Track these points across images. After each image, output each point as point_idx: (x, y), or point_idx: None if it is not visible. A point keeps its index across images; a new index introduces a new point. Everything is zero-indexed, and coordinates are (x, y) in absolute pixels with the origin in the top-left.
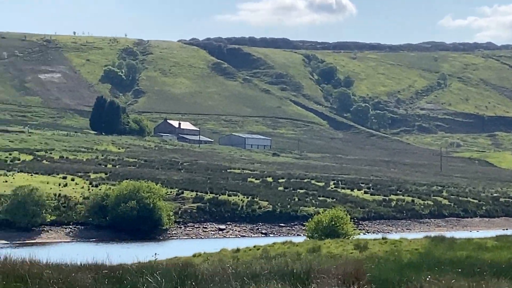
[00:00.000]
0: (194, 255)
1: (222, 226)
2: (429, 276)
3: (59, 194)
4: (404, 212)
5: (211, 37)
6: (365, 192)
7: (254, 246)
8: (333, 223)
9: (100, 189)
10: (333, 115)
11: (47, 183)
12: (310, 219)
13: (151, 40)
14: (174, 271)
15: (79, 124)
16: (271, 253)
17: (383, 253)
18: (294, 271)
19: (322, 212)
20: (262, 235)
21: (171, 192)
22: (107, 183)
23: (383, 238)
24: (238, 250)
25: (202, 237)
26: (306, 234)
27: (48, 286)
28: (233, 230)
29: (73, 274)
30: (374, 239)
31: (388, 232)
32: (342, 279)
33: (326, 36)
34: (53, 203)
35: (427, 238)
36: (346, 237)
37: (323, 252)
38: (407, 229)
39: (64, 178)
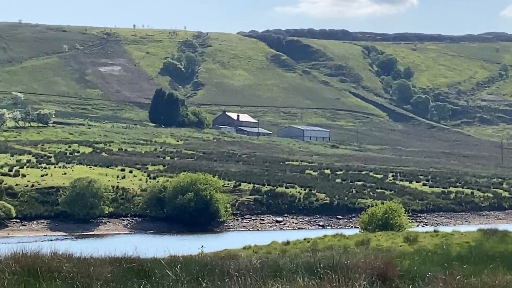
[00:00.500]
0: (244, 248)
1: (279, 219)
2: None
3: (117, 186)
4: (463, 204)
5: (270, 29)
6: (424, 184)
7: (305, 239)
8: (386, 215)
9: (157, 181)
10: (392, 107)
11: (106, 175)
12: (363, 212)
13: (210, 33)
14: (197, 265)
15: (138, 117)
16: (320, 246)
17: (432, 246)
18: (321, 265)
19: (377, 205)
20: (319, 228)
21: (228, 184)
22: (165, 175)
23: (434, 231)
24: (288, 242)
25: (259, 229)
26: (360, 227)
27: (66, 279)
28: (290, 222)
29: (92, 268)
30: (426, 232)
31: (446, 225)
32: (371, 274)
33: (386, 27)
34: (111, 195)
35: (479, 231)
36: (400, 230)
37: (372, 245)
38: (466, 221)
39: (122, 170)
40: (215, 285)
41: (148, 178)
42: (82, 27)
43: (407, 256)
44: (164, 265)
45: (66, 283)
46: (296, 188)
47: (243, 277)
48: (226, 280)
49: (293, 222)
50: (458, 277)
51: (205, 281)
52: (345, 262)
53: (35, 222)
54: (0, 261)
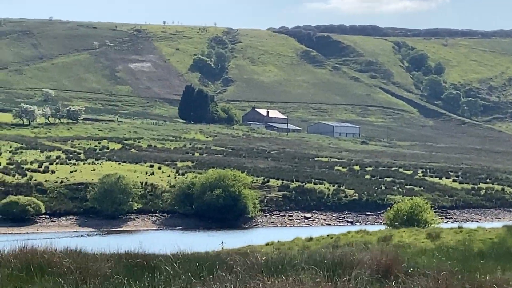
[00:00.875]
0: (266, 244)
1: (308, 215)
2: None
3: (146, 183)
4: (493, 201)
5: (301, 25)
6: (454, 181)
7: (328, 235)
8: (412, 211)
9: (186, 178)
10: (423, 103)
11: (134, 172)
12: (388, 208)
13: (240, 29)
14: (202, 261)
15: (168, 113)
16: (342, 242)
17: (455, 242)
18: (325, 262)
19: (403, 201)
20: (348, 224)
21: (257, 180)
22: (194, 172)
23: (458, 227)
24: (311, 239)
25: (288, 225)
26: (385, 223)
27: (65, 275)
28: (318, 218)
29: (91, 264)
30: (450, 228)
31: (476, 221)
32: (376, 270)
33: (417, 23)
34: (140, 192)
35: (504, 227)
36: (426, 226)
37: (394, 241)
38: (496, 218)
39: (151, 166)
40: (208, 281)
41: (176, 174)
42: (113, 23)
43: (427, 252)
44: (163, 261)
45: (64, 278)
46: (324, 184)
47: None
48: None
49: (321, 219)
50: (443, 273)
51: (201, 277)
52: (351, 258)
53: (64, 218)
54: (1, 257)
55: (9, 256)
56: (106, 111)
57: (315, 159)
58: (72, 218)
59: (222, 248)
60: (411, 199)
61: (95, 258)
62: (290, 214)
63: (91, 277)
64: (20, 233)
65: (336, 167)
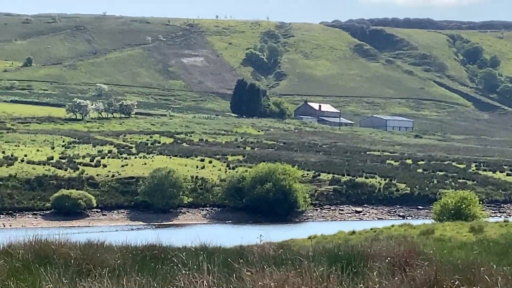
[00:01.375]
0: (308, 237)
1: (359, 209)
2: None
3: (196, 177)
4: None
5: (354, 18)
6: (508, 175)
7: (371, 229)
8: (459, 205)
9: (236, 172)
10: (478, 96)
11: (185, 166)
12: (435, 202)
13: (293, 23)
14: (211, 254)
15: (221, 107)
16: (383, 235)
17: (498, 236)
18: (339, 253)
19: (450, 194)
20: (400, 218)
21: (307, 174)
22: (244, 166)
23: (504, 221)
24: (353, 232)
25: (339, 219)
26: (432, 217)
27: (69, 265)
28: (369, 212)
29: (98, 255)
30: (496, 222)
31: None
32: (392, 262)
33: (472, 15)
34: (190, 185)
35: None
36: (474, 220)
37: (436, 235)
38: None
39: (202, 160)
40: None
41: (227, 168)
42: (166, 18)
43: (466, 246)
44: (169, 253)
45: (68, 268)
46: (376, 178)
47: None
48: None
49: (372, 213)
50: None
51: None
52: (368, 251)
53: (115, 212)
54: (10, 247)
55: (18, 246)
56: (159, 106)
57: (367, 153)
58: (123, 212)
59: (261, 241)
60: (457, 192)
61: (105, 249)
62: (341, 208)
63: (95, 268)
64: (72, 226)
65: (388, 161)
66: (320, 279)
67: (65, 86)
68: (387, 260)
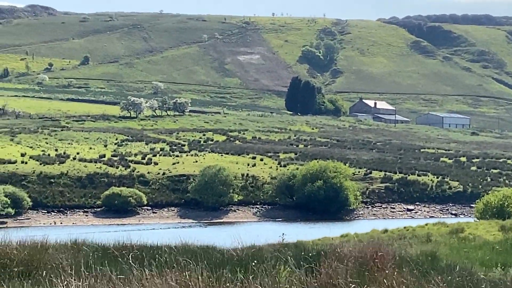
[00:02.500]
0: (341, 236)
1: (411, 207)
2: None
3: (247, 174)
4: None
5: (411, 15)
6: None
7: (404, 227)
8: (501, 203)
9: (288, 169)
10: None
11: (236, 163)
12: (477, 200)
13: (349, 20)
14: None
15: (276, 105)
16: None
17: None
18: (302, 253)
19: (492, 192)
20: (452, 216)
21: (359, 172)
22: (296, 163)
23: None
24: (386, 231)
25: (390, 217)
26: (475, 215)
27: (18, 266)
28: (421, 210)
29: (39, 255)
30: None
31: None
32: (361, 262)
33: None
34: (241, 183)
35: None
36: None
37: (464, 234)
38: None
39: (253, 158)
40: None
41: (278, 166)
42: (222, 16)
43: (486, 246)
44: (125, 252)
45: (10, 269)
46: (428, 176)
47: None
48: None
49: (424, 211)
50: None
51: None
52: (336, 250)
53: (165, 209)
54: None
55: None
56: (214, 104)
57: (421, 150)
58: (174, 210)
59: (283, 240)
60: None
61: (53, 249)
62: (392, 206)
63: (39, 268)
64: (122, 224)
65: (442, 159)
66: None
67: (122, 84)
68: (355, 261)
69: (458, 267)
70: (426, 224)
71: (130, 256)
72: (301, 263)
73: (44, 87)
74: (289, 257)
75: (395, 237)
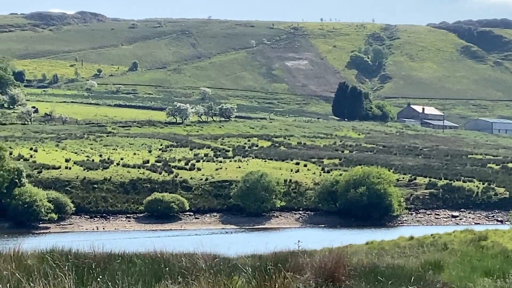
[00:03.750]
0: (366, 243)
1: (455, 213)
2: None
3: (290, 180)
4: None
5: (462, 20)
6: None
7: (431, 234)
8: None
9: (331, 175)
10: None
11: (280, 169)
12: None
13: (398, 25)
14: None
15: (324, 111)
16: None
17: None
18: (257, 264)
19: None
20: (498, 223)
21: (403, 178)
22: (340, 169)
23: None
24: (411, 238)
25: (434, 224)
26: (510, 222)
27: None
28: (466, 217)
29: None
30: None
31: None
32: (321, 274)
33: None
34: (283, 189)
35: None
36: None
37: (486, 242)
38: None
39: (297, 164)
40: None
41: (322, 171)
42: (270, 21)
43: (502, 255)
44: (51, 262)
45: None
46: (474, 182)
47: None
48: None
49: (469, 217)
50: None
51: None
52: (297, 261)
53: (208, 215)
54: None
55: None
56: (262, 109)
57: (469, 156)
58: (216, 215)
59: (298, 246)
60: None
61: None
62: (436, 213)
63: None
64: (164, 229)
65: (489, 165)
66: None
67: (169, 90)
68: (315, 272)
69: (427, 277)
70: (454, 231)
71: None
72: (256, 274)
73: (93, 93)
74: (247, 268)
75: (414, 245)
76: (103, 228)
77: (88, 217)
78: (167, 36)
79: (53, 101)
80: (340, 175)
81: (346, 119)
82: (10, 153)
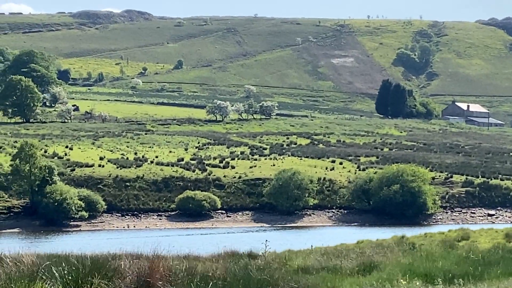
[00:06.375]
0: (358, 242)
1: (492, 212)
2: None
3: (324, 178)
4: None
5: (511, 16)
6: None
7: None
8: None
9: (367, 173)
10: None
11: (314, 167)
12: None
13: (446, 21)
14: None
15: (369, 108)
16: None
17: None
18: (73, 268)
19: None
20: None
21: (439, 176)
22: (376, 167)
23: None
24: (403, 237)
25: (469, 222)
26: None
27: None
28: (503, 216)
29: None
30: None
31: None
32: (136, 279)
33: None
34: (317, 187)
35: None
36: None
37: (465, 242)
38: None
39: (333, 162)
40: None
41: (357, 169)
42: (316, 19)
43: (480, 254)
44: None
45: None
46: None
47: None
48: None
49: (506, 216)
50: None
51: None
52: (112, 266)
53: (240, 213)
54: None
55: None
56: (306, 107)
57: (511, 154)
58: (248, 214)
59: (266, 246)
60: None
61: None
62: (472, 211)
63: None
64: (195, 228)
65: None
66: None
67: (214, 88)
68: (130, 277)
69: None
70: (449, 231)
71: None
72: (68, 279)
73: (138, 91)
74: (57, 272)
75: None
76: (134, 226)
77: (120, 215)
78: (213, 34)
79: (97, 99)
80: (375, 173)
81: (389, 117)
82: (45, 151)
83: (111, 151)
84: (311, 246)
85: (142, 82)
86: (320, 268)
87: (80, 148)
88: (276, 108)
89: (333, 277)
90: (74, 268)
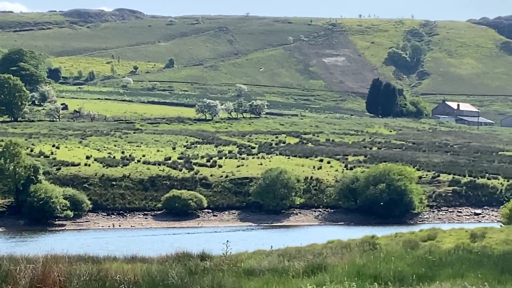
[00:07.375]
0: (328, 242)
1: (478, 211)
2: None
3: (311, 177)
4: None
5: (502, 15)
6: None
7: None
8: None
9: (354, 172)
10: None
11: (302, 166)
12: (503, 206)
13: (438, 21)
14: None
15: (361, 107)
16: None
17: (499, 243)
18: None
19: None
20: None
21: (426, 175)
22: (363, 166)
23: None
24: (373, 236)
25: (456, 221)
26: (502, 220)
27: None
28: (489, 215)
29: None
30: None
31: None
32: (27, 284)
33: None
34: (303, 186)
35: None
36: None
37: (432, 242)
38: None
39: (320, 161)
40: None
41: (345, 168)
42: (308, 18)
43: (438, 255)
44: None
45: None
46: (498, 180)
47: None
48: None
49: (492, 215)
50: None
51: None
52: (10, 270)
53: (226, 212)
54: None
55: None
56: (298, 106)
57: (499, 153)
58: (234, 213)
59: (227, 247)
60: None
61: None
62: (459, 210)
63: None
64: (181, 227)
65: None
66: None
67: (205, 87)
68: (26, 277)
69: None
70: (420, 230)
71: None
72: None
73: (129, 90)
74: None
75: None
76: (120, 226)
77: (105, 214)
78: (205, 33)
79: (88, 98)
80: (362, 172)
81: (379, 116)
82: (31, 150)
83: (98, 150)
84: (271, 247)
85: (133, 81)
86: (268, 270)
87: (67, 147)
88: (266, 107)
89: (278, 279)
90: None
